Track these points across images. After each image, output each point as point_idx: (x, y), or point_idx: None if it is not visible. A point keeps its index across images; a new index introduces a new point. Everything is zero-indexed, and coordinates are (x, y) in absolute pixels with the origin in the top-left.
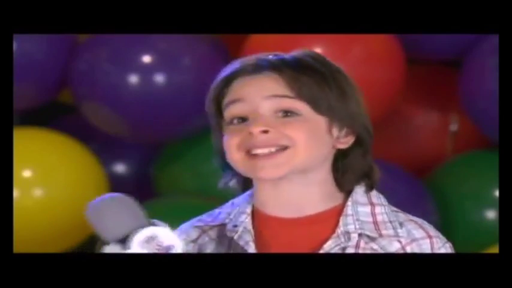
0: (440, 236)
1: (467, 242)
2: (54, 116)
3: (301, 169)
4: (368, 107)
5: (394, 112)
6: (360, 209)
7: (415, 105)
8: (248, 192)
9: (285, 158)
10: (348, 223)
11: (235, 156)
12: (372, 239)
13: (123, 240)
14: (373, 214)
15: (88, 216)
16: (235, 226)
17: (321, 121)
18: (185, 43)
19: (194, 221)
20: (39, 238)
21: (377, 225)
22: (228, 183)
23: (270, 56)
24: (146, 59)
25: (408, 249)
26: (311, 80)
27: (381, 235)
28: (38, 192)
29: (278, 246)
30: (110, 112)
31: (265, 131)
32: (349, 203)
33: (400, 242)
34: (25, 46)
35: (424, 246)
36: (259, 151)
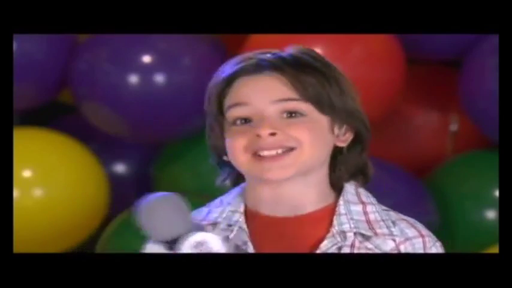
0: (431, 235)
1: (467, 242)
2: (54, 116)
3: (306, 170)
4: (368, 107)
5: (394, 112)
6: (353, 208)
7: (415, 105)
8: (237, 190)
9: (292, 160)
10: (343, 222)
11: (241, 158)
12: (367, 238)
13: (171, 242)
14: (365, 213)
15: (139, 212)
16: (230, 225)
17: (323, 120)
18: (185, 43)
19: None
20: (39, 238)
21: (370, 224)
22: (225, 181)
23: (269, 55)
24: (146, 59)
25: (402, 248)
26: (314, 80)
27: (376, 234)
28: (38, 192)
29: (272, 245)
30: (110, 112)
31: (273, 134)
32: (341, 202)
33: (394, 240)
34: (25, 46)
35: (417, 245)
36: (266, 153)
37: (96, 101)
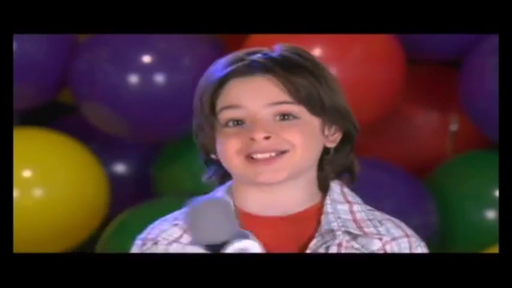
0: (416, 235)
1: (467, 242)
2: (54, 116)
3: (298, 172)
4: (368, 107)
5: (394, 112)
6: (339, 207)
7: (415, 105)
8: (223, 188)
9: (284, 163)
10: (331, 221)
11: (234, 160)
12: (354, 237)
13: (215, 247)
14: (352, 212)
15: (187, 213)
16: None
17: (315, 122)
18: (185, 43)
19: (170, 220)
20: (39, 238)
21: (358, 223)
22: (211, 178)
23: (259, 55)
24: (146, 59)
25: (388, 248)
26: (305, 81)
27: (364, 233)
28: (38, 192)
29: (261, 244)
30: (110, 112)
31: (267, 137)
32: (328, 201)
33: (380, 239)
34: (25, 46)
35: (403, 245)
36: (259, 156)
37: (96, 101)
